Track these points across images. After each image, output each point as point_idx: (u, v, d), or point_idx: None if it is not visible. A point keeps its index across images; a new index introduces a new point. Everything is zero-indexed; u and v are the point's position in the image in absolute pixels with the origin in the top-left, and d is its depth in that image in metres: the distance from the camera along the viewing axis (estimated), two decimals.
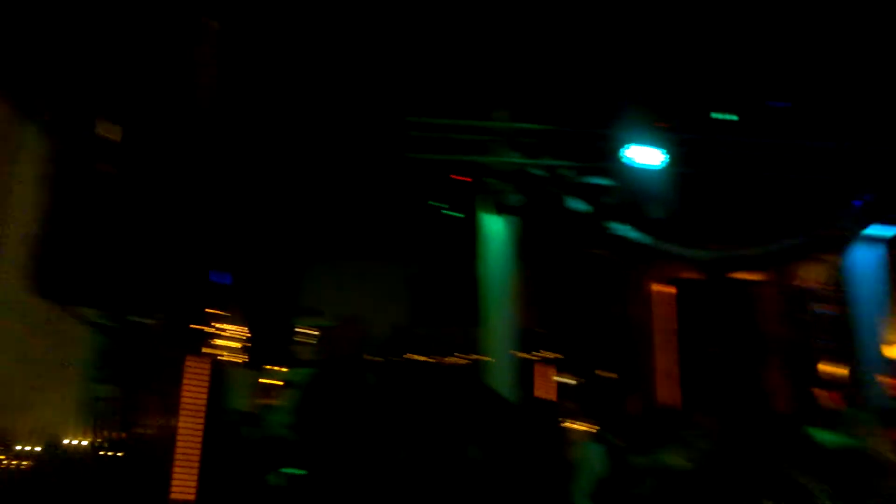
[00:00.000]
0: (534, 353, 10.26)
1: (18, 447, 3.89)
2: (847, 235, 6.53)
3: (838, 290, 8.91)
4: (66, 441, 4.13)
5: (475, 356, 10.11)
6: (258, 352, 6.34)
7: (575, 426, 8.96)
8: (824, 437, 3.89)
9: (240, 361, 7.78)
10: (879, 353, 6.33)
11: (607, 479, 4.17)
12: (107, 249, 3.64)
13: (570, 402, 9.71)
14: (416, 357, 9.94)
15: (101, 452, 4.54)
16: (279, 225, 7.40)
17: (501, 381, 6.12)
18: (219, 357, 7.48)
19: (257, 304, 6.42)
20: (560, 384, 10.30)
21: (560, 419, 8.67)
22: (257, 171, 5.63)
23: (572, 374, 10.30)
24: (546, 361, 10.12)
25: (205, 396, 7.61)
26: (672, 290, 10.77)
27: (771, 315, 10.51)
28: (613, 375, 10.37)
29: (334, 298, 10.32)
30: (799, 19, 4.82)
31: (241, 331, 7.75)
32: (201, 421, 7.04)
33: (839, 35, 4.89)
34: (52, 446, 4.01)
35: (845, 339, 8.97)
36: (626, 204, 6.12)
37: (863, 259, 6.47)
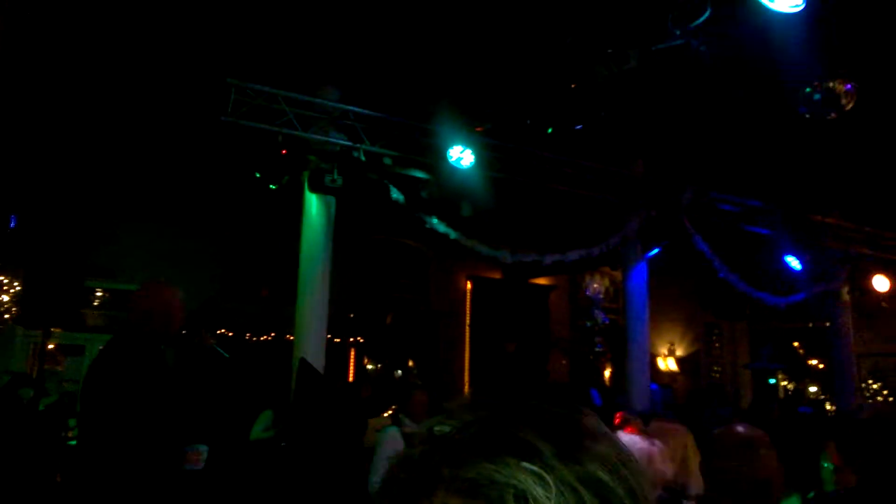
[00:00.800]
0: (342, 336, 10.40)
1: None
2: (625, 253, 7.44)
3: (615, 300, 10.13)
4: None
5: (285, 335, 10.03)
6: (38, 309, 5.71)
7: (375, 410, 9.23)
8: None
9: (12, 318, 7.05)
10: (645, 359, 7.25)
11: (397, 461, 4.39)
12: None
13: (370, 385, 9.99)
14: (223, 332, 9.63)
15: None
16: (81, 177, 6.80)
17: (311, 361, 6.13)
18: None
19: (42, 257, 5.81)
20: (364, 368, 10.56)
21: (360, 403, 8.90)
22: (65, 119, 5.14)
23: (375, 358, 10.59)
24: (353, 345, 10.32)
25: None
26: (474, 286, 11.49)
27: (558, 317, 11.63)
28: (411, 363, 10.83)
29: (137, 262, 9.68)
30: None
31: (18, 283, 7.01)
32: None
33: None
34: None
35: (619, 344, 10.19)
36: (438, 198, 6.45)
37: (635, 275, 7.38)
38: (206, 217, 9.60)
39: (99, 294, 9.97)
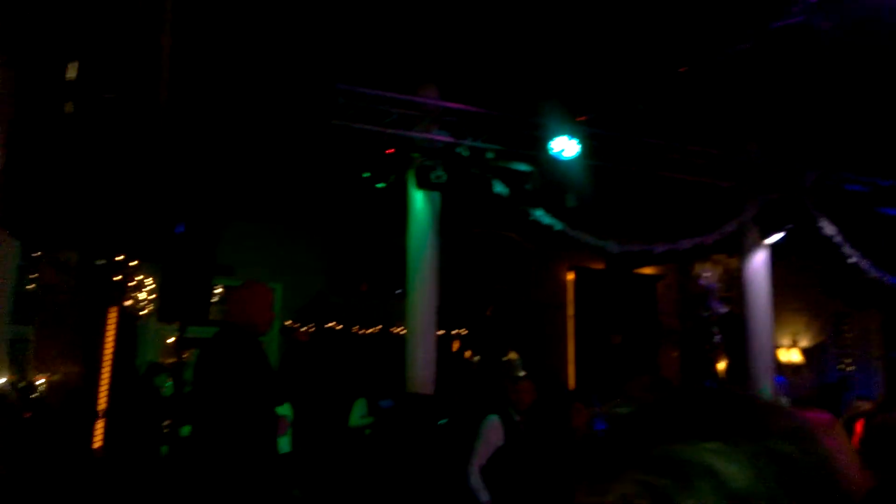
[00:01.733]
0: (444, 328, 10.55)
1: None
2: (744, 240, 7.06)
3: (732, 290, 9.62)
4: None
5: (390, 328, 10.32)
6: (172, 305, 6.21)
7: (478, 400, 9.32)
8: None
9: (151, 314, 7.66)
10: (769, 353, 6.86)
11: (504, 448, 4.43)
12: (68, 189, 3.55)
13: (475, 376, 10.09)
14: (332, 325, 10.03)
15: (18, 396, 4.46)
16: (204, 179, 7.26)
17: (422, 354, 6.28)
18: (134, 308, 7.35)
19: (175, 256, 6.28)
20: (468, 359, 10.67)
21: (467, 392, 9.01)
22: (192, 125, 5.51)
23: (477, 350, 10.66)
24: (455, 337, 10.44)
25: (115, 346, 7.47)
26: (578, 277, 11.29)
27: (667, 308, 11.21)
28: (515, 355, 10.80)
29: (251, 260, 10.28)
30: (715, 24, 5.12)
31: (156, 282, 7.62)
32: (111, 370, 6.92)
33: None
34: None
35: (737, 336, 9.70)
36: (543, 190, 6.39)
37: (755, 263, 6.99)
38: (312, 217, 10.04)
39: (218, 290, 10.67)
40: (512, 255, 11.06)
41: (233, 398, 3.16)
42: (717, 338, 8.84)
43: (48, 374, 6.02)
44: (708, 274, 9.10)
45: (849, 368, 11.19)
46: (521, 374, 7.01)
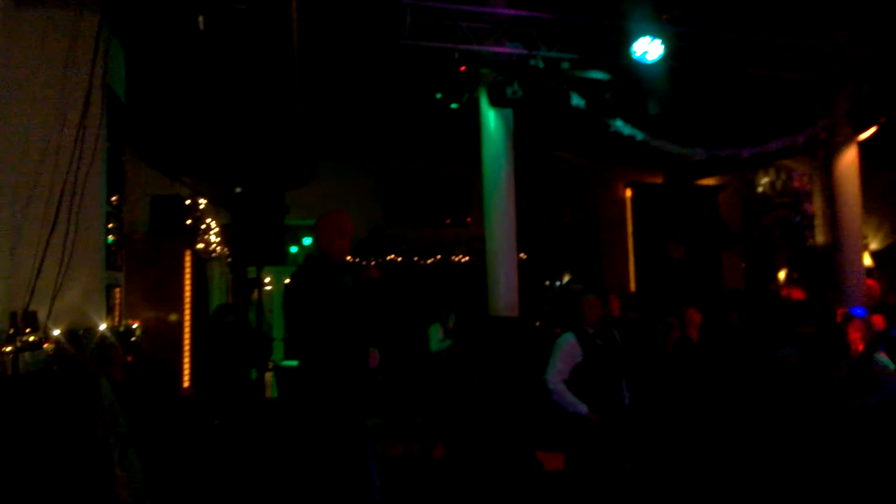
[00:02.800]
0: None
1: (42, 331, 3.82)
2: (828, 139, 6.72)
3: (807, 195, 9.31)
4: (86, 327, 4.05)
5: (450, 256, 10.25)
6: (241, 247, 6.17)
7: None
8: None
9: (225, 255, 7.64)
10: (858, 253, 6.62)
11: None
12: (199, 119, 3.42)
13: (542, 299, 10.03)
14: (392, 258, 9.98)
15: (120, 341, 4.48)
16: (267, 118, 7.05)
17: (504, 278, 6.18)
18: (205, 251, 7.31)
19: (241, 200, 6.18)
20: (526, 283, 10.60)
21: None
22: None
23: (538, 273, 10.57)
24: (524, 261, 10.34)
25: (191, 288, 7.49)
26: (635, 193, 11.04)
27: (730, 219, 10.96)
28: (574, 275, 10.71)
29: (306, 196, 10.16)
30: None
31: (218, 224, 7.56)
32: (190, 312, 6.96)
33: None
34: (74, 330, 3.90)
35: (800, 242, 9.45)
36: (622, 99, 6.08)
37: (845, 161, 6.67)
38: (366, 149, 9.83)
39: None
40: (567, 175, 10.80)
41: (322, 325, 3.25)
42: (809, 241, 8.56)
43: (139, 318, 6.07)
44: (801, 175, 8.73)
45: None
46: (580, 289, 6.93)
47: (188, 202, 6.67)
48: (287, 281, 3.60)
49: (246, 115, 3.52)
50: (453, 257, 10.12)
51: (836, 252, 6.53)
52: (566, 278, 10.97)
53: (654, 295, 9.98)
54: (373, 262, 9.79)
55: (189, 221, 6.69)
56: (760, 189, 10.48)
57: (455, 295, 8.57)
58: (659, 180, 11.08)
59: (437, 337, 8.04)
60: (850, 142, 6.55)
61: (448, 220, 10.75)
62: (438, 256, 10.21)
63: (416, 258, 10.15)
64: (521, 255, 10.55)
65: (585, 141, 9.35)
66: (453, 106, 6.02)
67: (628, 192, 11.13)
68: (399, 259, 10.05)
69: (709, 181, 11.08)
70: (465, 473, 5.40)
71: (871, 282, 7.25)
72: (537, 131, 8.71)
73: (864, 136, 6.51)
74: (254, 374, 7.48)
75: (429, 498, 4.67)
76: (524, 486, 5.31)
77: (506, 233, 6.20)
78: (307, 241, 11.44)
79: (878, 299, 6.39)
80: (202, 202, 6.80)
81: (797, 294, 5.70)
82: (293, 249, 11.78)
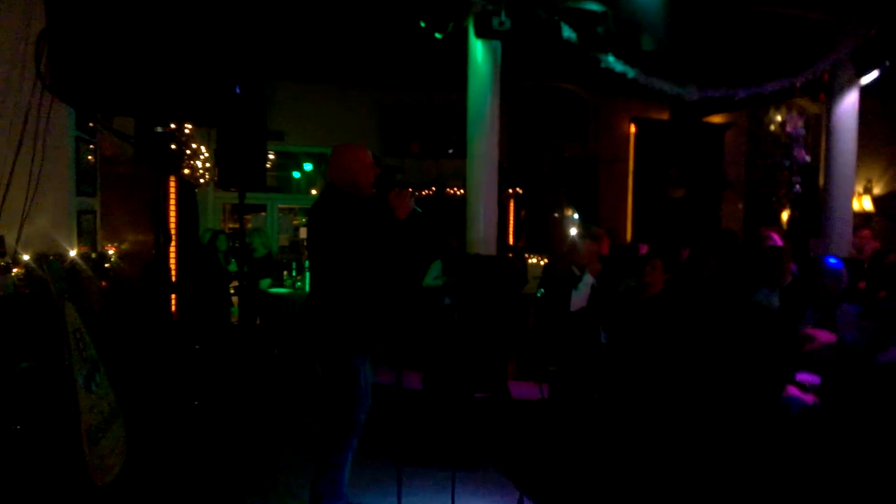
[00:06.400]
0: (500, 187, 10.35)
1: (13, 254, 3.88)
2: (832, 81, 6.47)
3: (809, 137, 9.05)
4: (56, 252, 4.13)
5: (445, 189, 10.17)
6: (230, 171, 6.10)
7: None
8: None
9: (209, 182, 7.63)
10: (848, 201, 6.51)
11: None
12: (120, 50, 3.36)
13: (534, 235, 10.02)
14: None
15: (92, 267, 4.55)
16: (255, 36, 6.88)
17: (483, 214, 6.15)
18: (192, 176, 7.30)
19: (229, 121, 6.07)
20: (524, 219, 10.55)
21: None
22: None
23: (534, 209, 10.50)
24: (511, 196, 10.25)
25: (178, 215, 7.54)
26: (639, 129, 10.78)
27: (734, 158, 10.73)
28: (570, 211, 10.62)
29: (300, 124, 10.06)
30: None
31: (210, 150, 7.51)
32: (174, 238, 7.02)
33: None
34: (43, 256, 3.97)
35: (812, 186, 9.24)
36: (615, 33, 5.85)
37: (845, 104, 6.44)
38: (362, 76, 9.62)
39: (271, 157, 10.54)
40: (569, 107, 10.53)
41: (352, 261, 3.29)
42: (796, 187, 8.42)
43: (117, 243, 6.15)
44: (788, 119, 8.49)
45: None
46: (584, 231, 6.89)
47: (173, 126, 6.60)
48: (311, 213, 3.59)
49: (163, 49, 3.42)
50: (448, 189, 10.04)
51: (826, 198, 6.41)
52: (568, 213, 10.90)
53: (648, 236, 9.91)
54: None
55: (174, 146, 6.66)
56: (773, 128, 10.17)
57: (449, 229, 8.53)
58: (665, 116, 10.79)
59: (433, 273, 8.03)
60: (851, 85, 6.31)
61: (450, 151, 10.59)
62: (433, 189, 10.14)
63: (410, 189, 10.08)
64: (518, 189, 10.50)
65: (591, 73, 9.07)
66: (438, 35, 5.82)
67: (632, 128, 10.87)
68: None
69: (716, 118, 10.78)
70: (441, 403, 5.59)
71: (866, 232, 7.14)
72: (540, 61, 8.45)
73: (866, 79, 6.24)
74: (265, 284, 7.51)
75: (405, 426, 4.85)
76: (496, 414, 5.53)
77: (487, 169, 6.12)
78: (308, 166, 11.41)
79: (874, 254, 6.22)
80: (188, 127, 6.74)
81: (777, 238, 5.62)
82: (296, 175, 11.77)
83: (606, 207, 10.69)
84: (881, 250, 6.11)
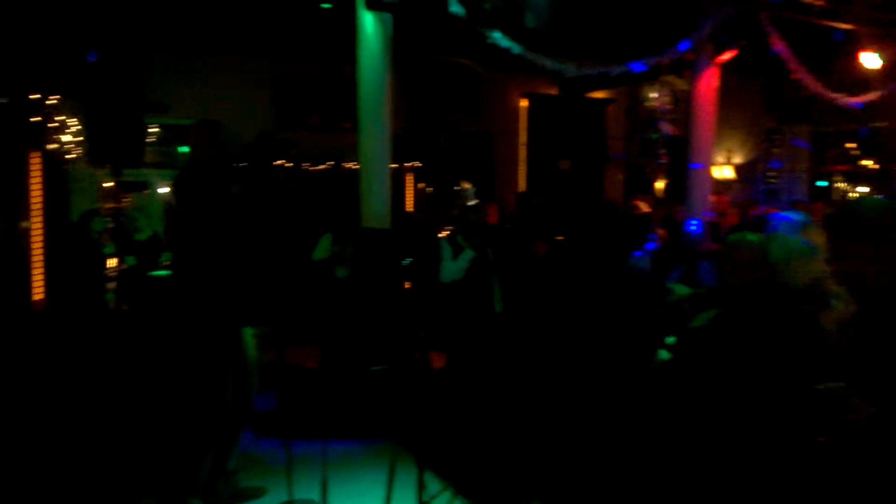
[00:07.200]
0: (397, 161, 10.47)
1: None
2: (696, 58, 7.06)
3: (678, 111, 9.81)
4: None
5: (342, 163, 10.18)
6: (101, 148, 5.73)
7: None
8: None
9: (81, 157, 7.20)
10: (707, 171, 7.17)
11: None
12: None
13: (431, 209, 10.26)
14: (281, 162, 9.79)
15: None
16: (129, 10, 6.55)
17: (376, 187, 6.26)
18: (59, 152, 6.86)
19: (100, 93, 5.69)
20: (422, 192, 10.76)
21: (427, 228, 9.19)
22: None
23: (431, 182, 10.72)
24: (409, 170, 10.42)
25: (44, 193, 7.08)
26: (531, 103, 11.22)
27: (615, 132, 11.42)
28: (468, 185, 10.94)
29: (190, 96, 9.66)
30: None
31: (81, 123, 7.08)
32: (43, 219, 6.61)
33: None
34: None
35: (678, 156, 10.04)
36: (501, 10, 6.10)
37: (705, 82, 7.06)
38: (255, 46, 9.38)
39: (155, 130, 10.03)
40: (464, 82, 10.77)
41: (202, 234, 3.30)
42: (661, 160, 9.16)
43: None
44: (657, 95, 9.18)
45: (772, 181, 11.93)
46: (475, 202, 7.17)
47: (33, 97, 6.14)
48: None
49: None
50: (345, 164, 10.05)
51: (683, 170, 7.08)
52: (465, 186, 11.20)
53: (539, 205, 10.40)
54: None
55: (37, 118, 6.20)
56: (647, 104, 10.90)
57: (344, 203, 8.55)
58: (555, 92, 11.28)
59: (324, 247, 8.03)
60: (711, 64, 6.94)
61: (347, 125, 10.55)
62: (331, 163, 10.12)
63: (305, 163, 10.01)
64: (416, 163, 10.67)
65: (483, 49, 9.33)
66: (325, 6, 5.84)
67: (524, 103, 11.29)
68: (290, 165, 9.88)
69: (599, 94, 11.40)
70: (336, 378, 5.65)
71: (724, 198, 7.93)
72: (434, 36, 8.59)
73: (723, 58, 6.89)
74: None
75: (300, 404, 4.89)
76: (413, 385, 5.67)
77: (380, 142, 6.22)
78: None
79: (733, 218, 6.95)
80: (53, 98, 6.31)
81: (645, 207, 6.18)
82: (184, 149, 11.30)
83: (501, 180, 11.09)
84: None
